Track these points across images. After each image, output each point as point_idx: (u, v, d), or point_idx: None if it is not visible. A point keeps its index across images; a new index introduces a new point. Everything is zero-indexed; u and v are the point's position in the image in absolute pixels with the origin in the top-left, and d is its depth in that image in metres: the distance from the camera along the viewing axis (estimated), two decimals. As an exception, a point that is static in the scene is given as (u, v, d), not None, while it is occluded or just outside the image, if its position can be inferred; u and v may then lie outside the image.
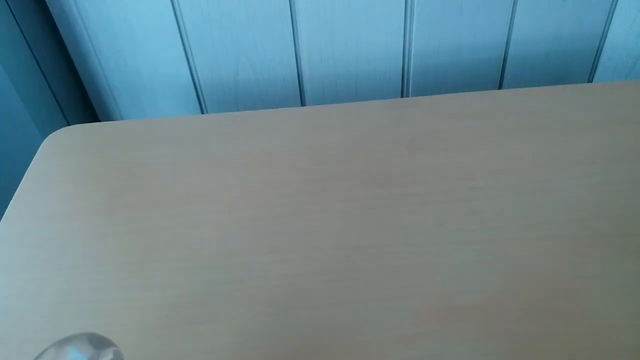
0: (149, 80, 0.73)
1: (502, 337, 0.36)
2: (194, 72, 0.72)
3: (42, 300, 0.40)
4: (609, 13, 0.70)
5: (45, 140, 0.55)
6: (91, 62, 0.71)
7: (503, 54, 0.73)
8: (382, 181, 0.47)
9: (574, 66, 0.76)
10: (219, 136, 0.54)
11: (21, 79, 0.62)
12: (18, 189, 0.50)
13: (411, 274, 0.40)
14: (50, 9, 0.66)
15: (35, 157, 0.53)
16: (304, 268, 0.41)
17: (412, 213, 0.44)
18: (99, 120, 0.78)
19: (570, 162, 0.48)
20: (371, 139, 0.52)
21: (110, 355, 0.26)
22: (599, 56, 0.75)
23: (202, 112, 0.77)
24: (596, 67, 0.76)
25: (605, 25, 0.72)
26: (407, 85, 0.76)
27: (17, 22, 0.62)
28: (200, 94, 0.75)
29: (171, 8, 0.66)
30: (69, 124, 0.70)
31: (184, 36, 0.69)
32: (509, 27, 0.71)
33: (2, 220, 0.47)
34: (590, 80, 0.78)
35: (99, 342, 0.27)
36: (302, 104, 0.77)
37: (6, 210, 0.48)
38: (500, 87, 0.77)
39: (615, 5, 0.70)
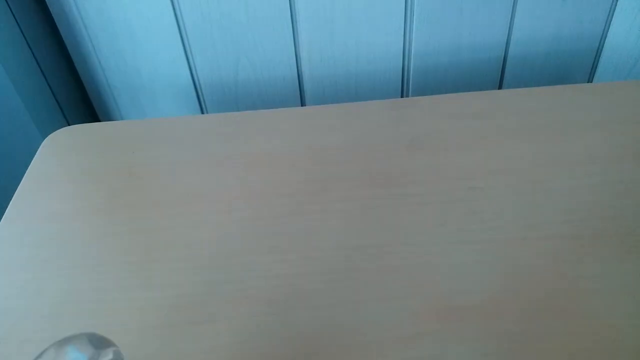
0: (149, 80, 0.73)
1: (502, 337, 0.36)
2: (194, 72, 0.72)
3: (42, 300, 0.40)
4: (609, 13, 0.70)
5: (45, 140, 0.55)
6: (91, 62, 0.71)
7: (503, 54, 0.73)
8: (382, 181, 0.47)
9: (574, 66, 0.76)
10: (219, 136, 0.54)
11: (21, 79, 0.62)
12: (18, 189, 0.50)
13: (411, 274, 0.40)
14: (50, 9, 0.66)
15: (35, 157, 0.53)
16: (304, 268, 0.41)
17: (412, 213, 0.44)
18: (99, 120, 0.78)
19: (570, 162, 0.48)
20: (371, 139, 0.52)
21: (110, 355, 0.26)
22: (599, 56, 0.75)
23: (202, 112, 0.77)
24: (596, 67, 0.76)
25: (605, 25, 0.72)
26: (407, 85, 0.76)
27: (17, 22, 0.62)
28: (200, 94, 0.75)
29: (171, 8, 0.66)
30: (69, 124, 0.70)
31: (184, 36, 0.69)
32: (509, 27, 0.71)
33: (2, 220, 0.47)
34: (590, 80, 0.78)
35: (99, 342, 0.27)
36: (302, 104, 0.77)
37: (6, 210, 0.48)
38: (500, 87, 0.77)
39: (615, 5, 0.70)
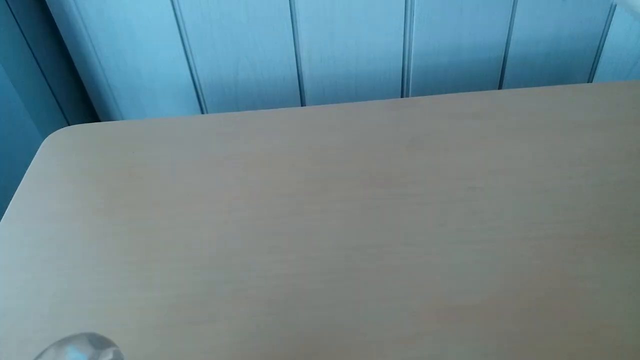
0: (149, 80, 0.73)
1: (502, 337, 0.36)
2: (194, 72, 0.72)
3: (42, 300, 0.40)
4: (609, 13, 0.70)
5: (45, 140, 0.55)
6: (91, 62, 0.71)
7: (503, 54, 0.73)
8: (382, 181, 0.47)
9: (574, 66, 0.76)
10: (219, 136, 0.54)
11: (21, 79, 0.62)
12: (18, 189, 0.50)
13: (411, 274, 0.40)
14: (50, 9, 0.66)
15: (35, 157, 0.53)
16: (304, 268, 0.41)
17: (412, 213, 0.44)
18: (99, 120, 0.78)
19: (570, 162, 0.48)
20: (371, 139, 0.52)
21: (110, 355, 0.26)
22: (599, 56, 0.75)
23: (202, 112, 0.77)
24: (596, 67, 0.76)
25: (605, 25, 0.72)
26: (407, 85, 0.76)
27: (17, 22, 0.62)
28: (200, 94, 0.75)
29: (171, 8, 0.66)
30: (69, 124, 0.70)
31: (184, 36, 0.69)
32: (509, 27, 0.71)
33: (2, 220, 0.47)
34: (590, 80, 0.78)
35: (99, 342, 0.27)
36: (302, 104, 0.77)
37: (6, 210, 0.48)
38: (500, 87, 0.77)
39: (616, 5, 0.70)
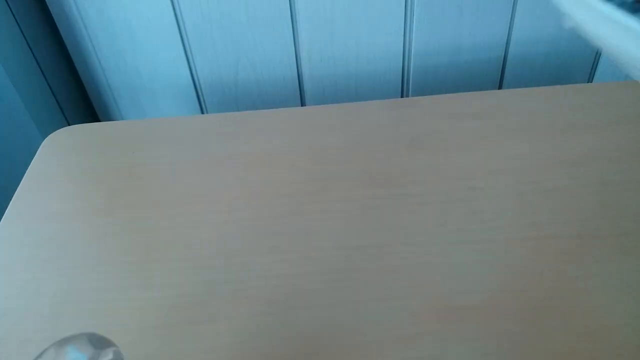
0: (149, 80, 0.73)
1: (502, 337, 0.36)
2: (194, 72, 0.72)
3: (42, 300, 0.40)
4: (609, 13, 0.70)
5: (45, 140, 0.55)
6: (91, 62, 0.71)
7: (503, 54, 0.73)
8: (382, 181, 0.47)
9: (574, 66, 0.76)
10: (219, 136, 0.54)
11: (21, 79, 0.62)
12: (18, 189, 0.50)
13: (411, 274, 0.40)
14: (50, 9, 0.66)
15: (35, 157, 0.53)
16: (304, 268, 0.41)
17: (412, 213, 0.44)
18: (99, 120, 0.78)
19: (570, 162, 0.48)
20: (371, 139, 0.52)
21: (110, 355, 0.26)
22: (599, 56, 0.75)
23: (202, 112, 0.77)
24: (596, 67, 0.76)
25: (605, 25, 0.72)
26: (407, 85, 0.76)
27: (17, 22, 0.62)
28: (200, 94, 0.75)
29: (171, 8, 0.66)
30: (69, 124, 0.70)
31: (184, 36, 0.69)
32: (509, 27, 0.71)
33: (2, 220, 0.47)
34: (590, 80, 0.78)
35: (99, 342, 0.27)
36: (302, 104, 0.77)
37: (6, 210, 0.48)
38: (500, 87, 0.77)
39: (615, 5, 0.69)
